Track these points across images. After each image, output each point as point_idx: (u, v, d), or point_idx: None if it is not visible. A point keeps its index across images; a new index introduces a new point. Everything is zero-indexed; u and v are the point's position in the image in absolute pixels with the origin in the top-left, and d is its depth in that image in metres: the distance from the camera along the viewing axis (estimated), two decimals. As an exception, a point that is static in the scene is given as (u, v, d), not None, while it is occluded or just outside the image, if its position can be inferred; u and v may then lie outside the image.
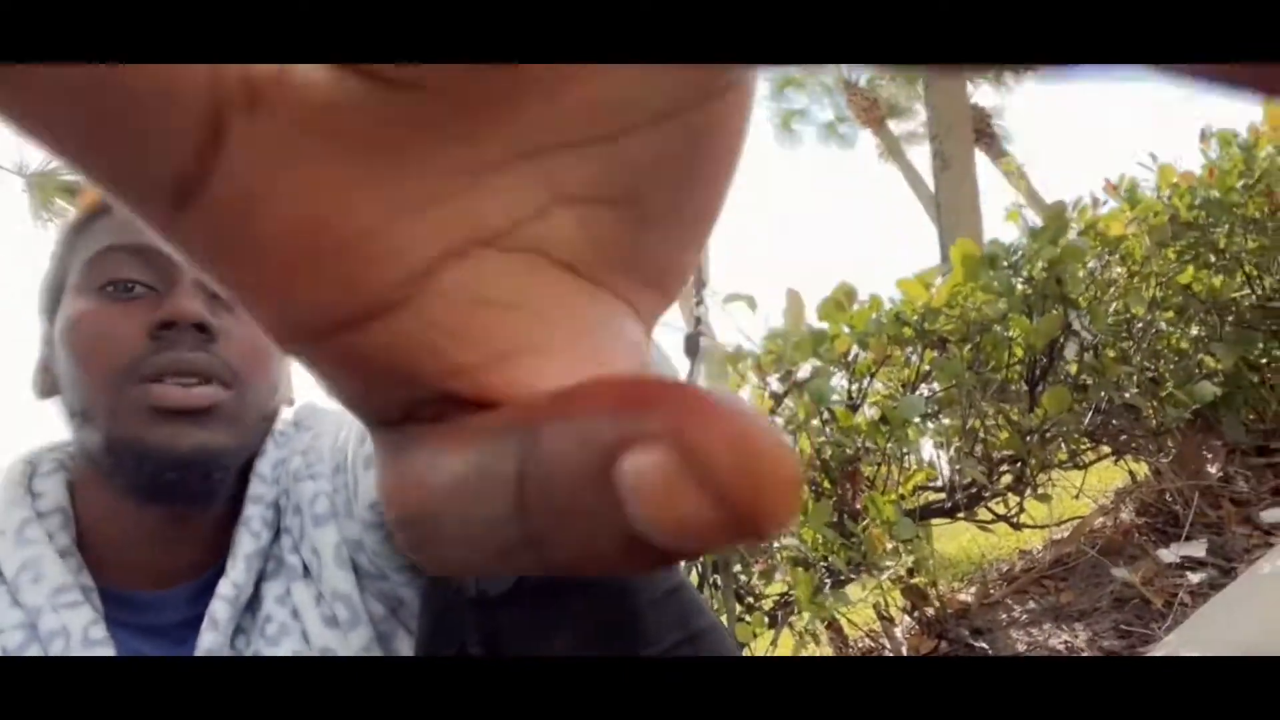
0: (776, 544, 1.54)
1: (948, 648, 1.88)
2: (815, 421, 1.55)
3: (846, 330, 1.66)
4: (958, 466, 1.57)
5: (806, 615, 1.53)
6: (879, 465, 1.64)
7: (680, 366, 1.60)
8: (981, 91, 13.84)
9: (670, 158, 0.14)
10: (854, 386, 1.69)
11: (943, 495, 1.81)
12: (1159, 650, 1.56)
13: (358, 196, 0.12)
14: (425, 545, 0.13)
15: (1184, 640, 1.55)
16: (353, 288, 0.12)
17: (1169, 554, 1.88)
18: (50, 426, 0.72)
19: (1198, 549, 1.87)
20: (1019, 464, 1.84)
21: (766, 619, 1.55)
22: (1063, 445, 1.97)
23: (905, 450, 1.57)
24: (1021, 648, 1.83)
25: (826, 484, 1.56)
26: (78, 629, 0.60)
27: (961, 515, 1.74)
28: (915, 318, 1.60)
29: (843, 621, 1.86)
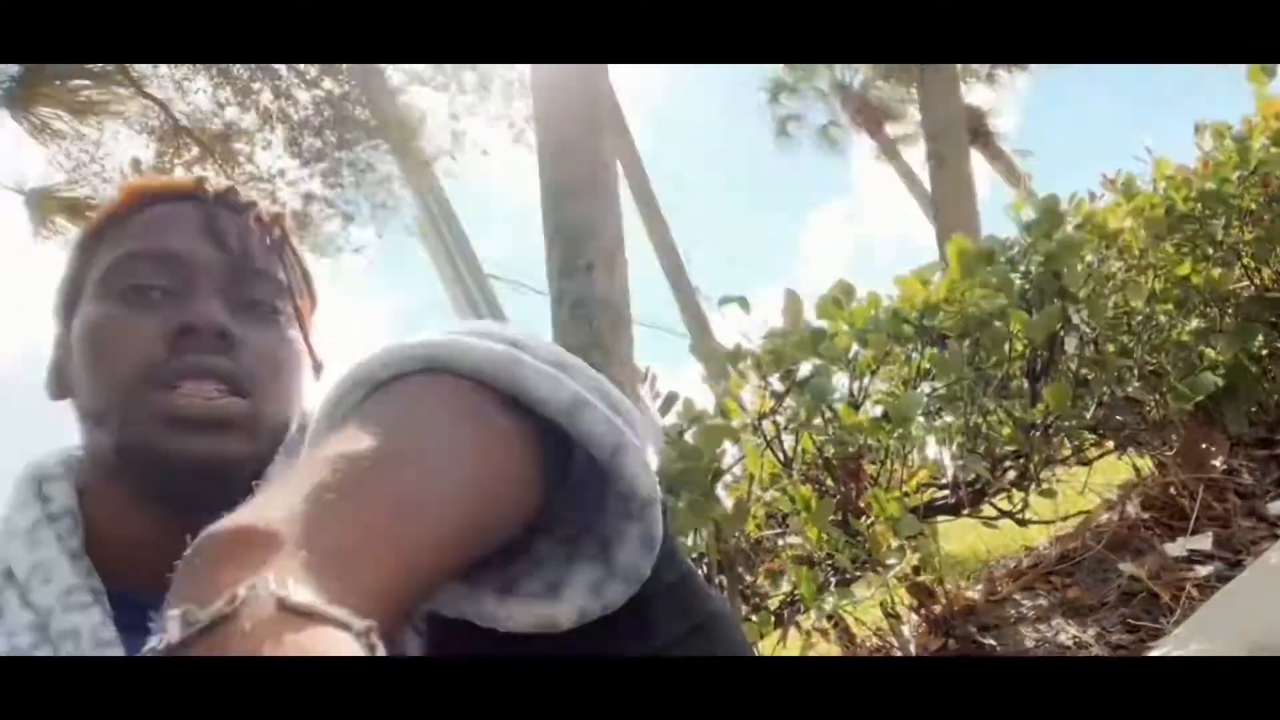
0: (782, 543, 1.54)
1: (955, 645, 1.88)
2: (817, 420, 1.55)
3: (846, 328, 1.66)
4: (961, 463, 1.56)
5: (813, 614, 1.53)
6: (882, 463, 1.64)
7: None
8: (976, 90, 13.86)
9: None
10: (855, 384, 1.69)
11: (946, 492, 1.81)
12: (1167, 644, 1.55)
13: None
14: None
15: (1192, 633, 1.55)
16: None
17: (1175, 548, 1.88)
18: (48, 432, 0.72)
19: (1204, 542, 1.87)
20: (1022, 460, 1.83)
21: (773, 619, 1.54)
22: (1066, 440, 1.97)
23: (908, 447, 1.57)
24: (1030, 644, 1.82)
25: (829, 482, 1.56)
26: (88, 630, 0.60)
27: (966, 512, 1.74)
28: (914, 314, 1.60)
29: (850, 620, 1.85)
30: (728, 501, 1.67)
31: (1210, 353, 2.01)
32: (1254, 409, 2.17)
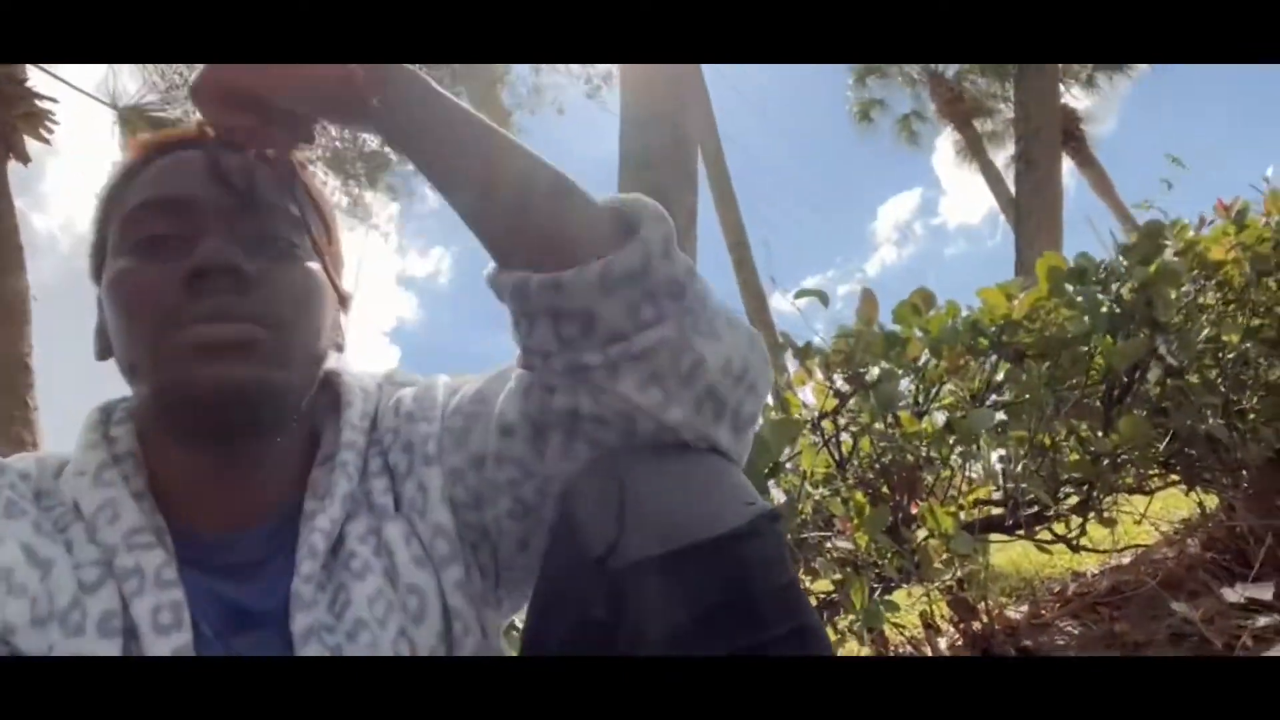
0: (829, 545, 1.53)
1: (991, 665, 1.84)
2: (878, 425, 1.52)
3: (920, 335, 1.62)
4: (1023, 484, 1.52)
5: (850, 616, 1.52)
6: (938, 475, 1.60)
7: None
8: (1073, 91, 13.33)
9: None
10: (921, 392, 1.65)
11: (1003, 511, 1.77)
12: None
13: None
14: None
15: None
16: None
17: (1234, 593, 1.80)
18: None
19: (1265, 591, 1.79)
20: (1085, 486, 1.78)
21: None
22: (1132, 470, 1.90)
23: (969, 463, 1.54)
24: (1069, 673, 1.78)
25: (884, 489, 1.54)
26: (151, 569, 0.62)
27: (1021, 533, 1.70)
28: (993, 328, 1.56)
29: (885, 626, 1.83)
30: (777, 494, 1.66)
31: (1301, 398, 1.91)
32: (1339, 462, 2.06)
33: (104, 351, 0.71)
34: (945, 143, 14.97)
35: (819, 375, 1.58)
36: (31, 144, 5.91)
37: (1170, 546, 2.16)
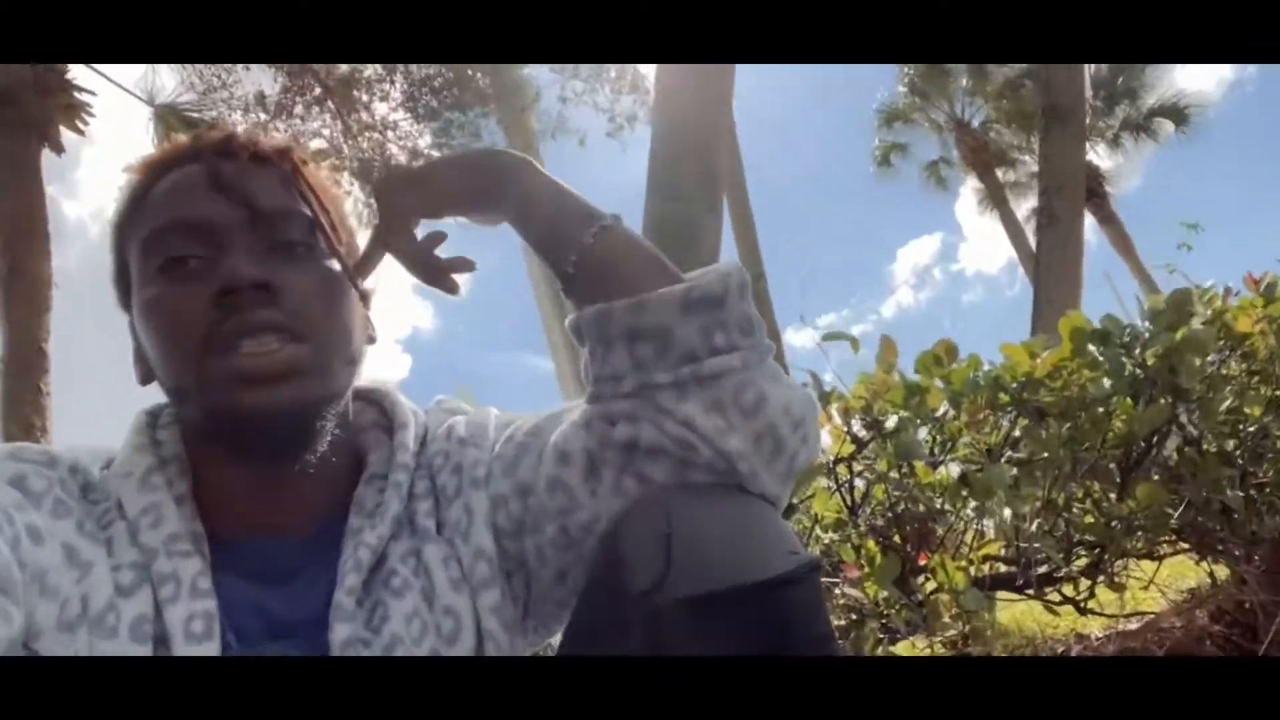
0: (836, 590, 1.52)
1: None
2: (894, 474, 1.52)
3: (940, 385, 1.62)
4: (1036, 544, 1.51)
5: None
6: (950, 527, 1.59)
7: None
8: (1096, 150, 13.38)
9: None
10: (937, 443, 1.65)
11: (1011, 568, 1.75)
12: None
13: None
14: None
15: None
16: None
17: (1242, 669, 1.78)
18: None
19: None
20: (1096, 549, 1.77)
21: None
22: (1144, 536, 1.88)
23: (983, 518, 1.53)
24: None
25: (896, 538, 1.53)
26: (188, 577, 0.63)
27: (1030, 593, 1.68)
28: (1014, 385, 1.55)
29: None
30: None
31: (1319, 475, 1.89)
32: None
33: (146, 377, 0.72)
34: (968, 190, 15.03)
35: (837, 419, 1.57)
36: (66, 134, 6.00)
37: (1179, 616, 2.14)
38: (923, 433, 1.61)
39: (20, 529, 0.55)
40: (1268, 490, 1.89)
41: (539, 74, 9.32)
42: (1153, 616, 2.12)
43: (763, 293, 9.85)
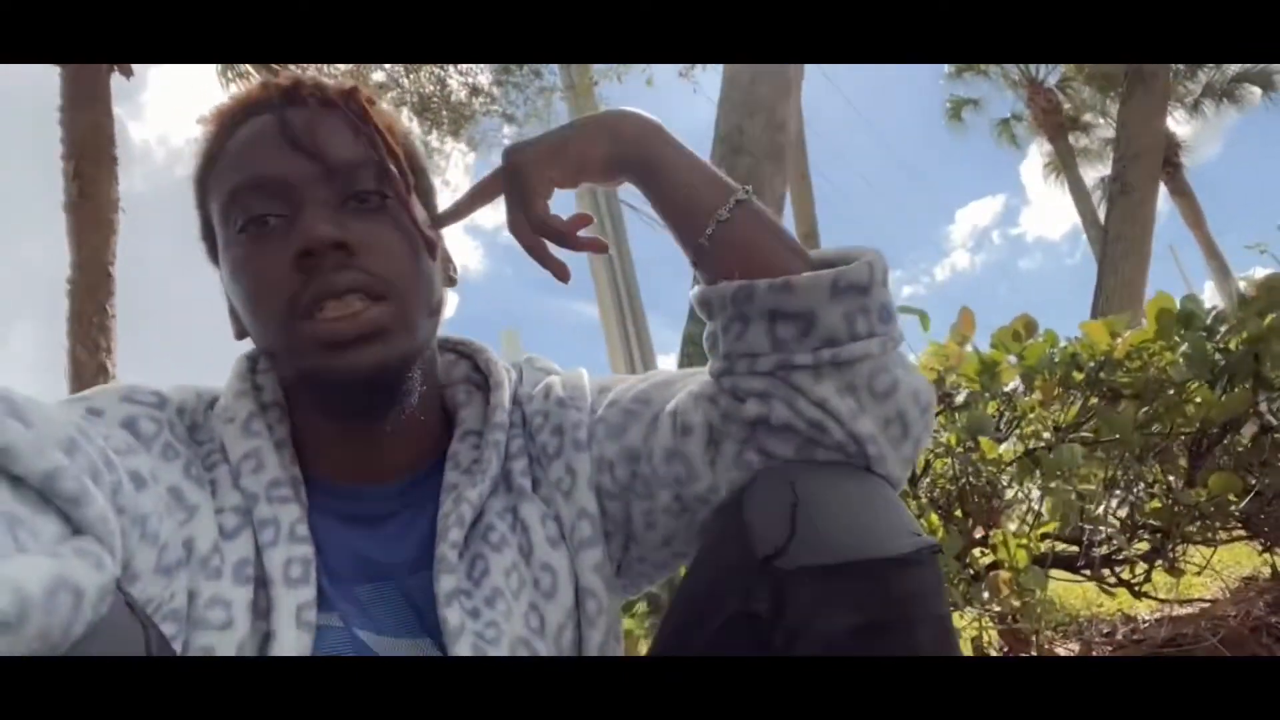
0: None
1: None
2: (959, 448, 1.50)
3: (1013, 360, 1.58)
4: (1102, 526, 1.49)
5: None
6: (1014, 504, 1.58)
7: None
8: (1174, 116, 12.81)
9: None
10: (1005, 420, 1.62)
11: (1070, 548, 1.74)
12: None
13: None
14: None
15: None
16: None
17: (1299, 663, 1.75)
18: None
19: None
20: (1159, 534, 1.74)
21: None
22: (1210, 524, 1.85)
23: (1048, 497, 1.51)
24: None
25: (958, 513, 1.52)
26: (286, 523, 0.65)
27: (1088, 574, 1.67)
28: (1091, 364, 1.52)
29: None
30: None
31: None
32: None
33: (241, 332, 0.73)
34: (1036, 152, 14.54)
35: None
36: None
37: (1235, 605, 2.10)
38: (989, 408, 1.59)
39: (123, 475, 0.56)
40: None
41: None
42: (1208, 604, 2.08)
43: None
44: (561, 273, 0.72)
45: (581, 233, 0.70)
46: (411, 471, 0.73)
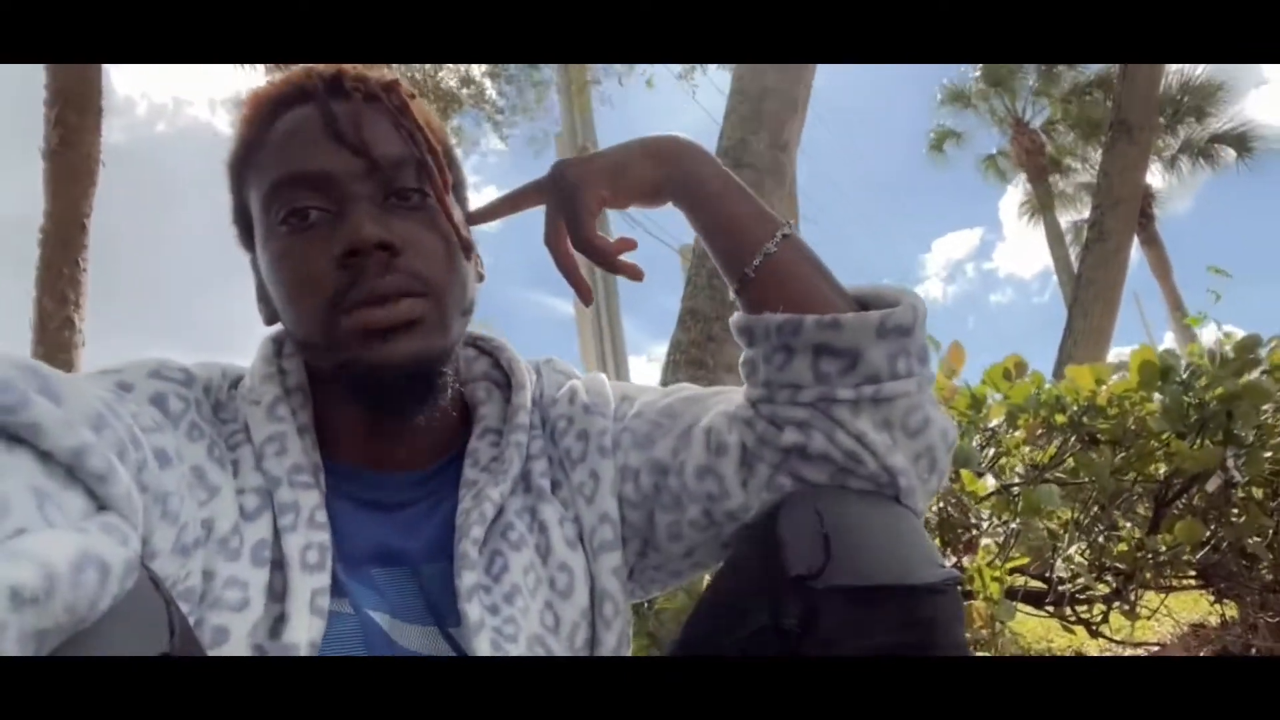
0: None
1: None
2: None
3: (997, 397, 1.63)
4: (1071, 566, 1.54)
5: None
6: (988, 537, 1.62)
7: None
8: (1152, 169, 13.11)
9: None
10: (986, 455, 1.67)
11: (1035, 583, 1.79)
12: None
13: None
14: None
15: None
16: None
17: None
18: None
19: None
20: (1122, 576, 1.80)
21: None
22: (1170, 570, 1.92)
23: (1023, 533, 1.56)
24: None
25: (939, 542, 1.56)
26: (306, 508, 0.66)
27: (1052, 611, 1.72)
28: (1075, 407, 1.57)
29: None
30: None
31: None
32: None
33: (271, 318, 0.74)
34: (1014, 190, 14.79)
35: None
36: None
37: (1183, 650, 2.18)
38: (976, 442, 1.63)
39: (148, 452, 0.56)
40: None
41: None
42: (1158, 647, 2.16)
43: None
44: (587, 295, 0.75)
45: (621, 257, 0.72)
46: (429, 462, 0.74)
